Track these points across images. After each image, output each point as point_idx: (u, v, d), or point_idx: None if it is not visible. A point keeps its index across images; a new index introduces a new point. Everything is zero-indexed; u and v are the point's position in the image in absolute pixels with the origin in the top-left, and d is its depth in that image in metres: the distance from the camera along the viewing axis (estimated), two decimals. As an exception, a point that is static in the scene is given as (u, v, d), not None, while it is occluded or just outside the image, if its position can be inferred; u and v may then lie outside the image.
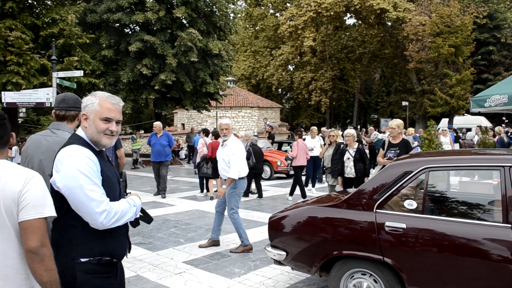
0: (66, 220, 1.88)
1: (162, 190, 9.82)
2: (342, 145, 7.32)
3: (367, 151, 10.46)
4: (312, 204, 3.96)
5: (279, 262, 3.89)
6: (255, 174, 9.84)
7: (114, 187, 2.01)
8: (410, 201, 3.32)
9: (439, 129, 14.69)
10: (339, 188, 7.05)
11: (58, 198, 1.84)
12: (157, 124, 10.11)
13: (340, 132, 11.60)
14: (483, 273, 2.89)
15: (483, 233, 2.92)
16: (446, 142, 11.77)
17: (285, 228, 3.82)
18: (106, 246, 1.93)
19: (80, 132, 2.02)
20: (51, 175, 1.93)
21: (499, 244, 2.82)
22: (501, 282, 2.80)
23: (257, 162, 9.61)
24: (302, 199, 7.77)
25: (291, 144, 12.78)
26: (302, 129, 13.35)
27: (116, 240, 1.99)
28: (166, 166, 9.92)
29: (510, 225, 2.83)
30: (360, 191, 3.52)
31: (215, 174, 9.64)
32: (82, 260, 1.86)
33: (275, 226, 3.89)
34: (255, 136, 12.92)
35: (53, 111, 2.89)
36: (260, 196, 9.93)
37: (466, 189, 4.71)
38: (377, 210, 3.29)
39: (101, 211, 1.82)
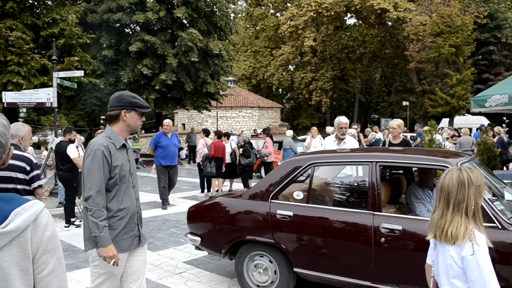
0: None
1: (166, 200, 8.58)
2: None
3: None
4: (223, 196, 4.47)
5: (198, 248, 4.28)
6: (249, 172, 10.02)
7: None
8: (298, 192, 3.83)
9: (439, 129, 14.65)
10: None
11: None
12: (169, 122, 8.78)
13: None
14: (353, 253, 3.34)
15: (353, 219, 3.39)
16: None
17: (200, 217, 4.24)
18: None
19: None
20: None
21: (363, 228, 3.28)
22: (365, 258, 3.26)
23: (252, 159, 9.83)
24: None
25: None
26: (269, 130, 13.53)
27: None
28: (177, 169, 8.77)
29: (372, 212, 3.29)
30: (260, 184, 3.96)
31: (219, 173, 9.68)
32: None
33: (192, 216, 4.31)
34: (254, 135, 13.01)
35: None
36: None
37: (344, 181, 5.19)
38: (271, 200, 3.74)
39: None
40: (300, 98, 38.39)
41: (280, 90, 44.30)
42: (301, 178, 4.02)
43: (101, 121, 35.04)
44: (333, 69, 35.46)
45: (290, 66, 39.15)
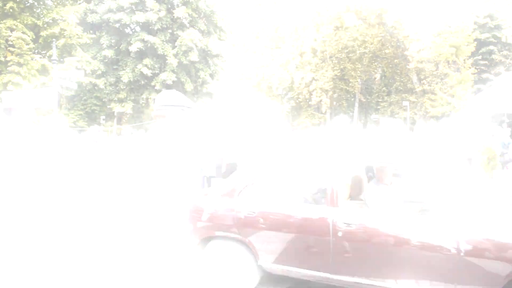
0: None
1: None
2: None
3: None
4: (193, 195, 4.68)
5: None
6: None
7: None
8: (264, 189, 4.01)
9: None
10: None
11: None
12: None
13: None
14: (314, 246, 3.56)
15: (313, 214, 3.60)
16: None
17: None
18: None
19: None
20: None
21: (323, 223, 3.49)
22: (325, 251, 3.47)
23: None
24: None
25: None
26: None
27: None
28: None
29: (331, 207, 3.52)
30: (228, 182, 4.18)
31: (218, 173, 9.65)
32: None
33: None
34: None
35: None
36: None
37: (307, 178, 5.33)
38: (238, 198, 3.94)
39: None
40: (300, 98, 38.35)
41: (280, 90, 44.25)
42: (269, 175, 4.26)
43: (101, 121, 35.03)
44: (333, 69, 35.41)
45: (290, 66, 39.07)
